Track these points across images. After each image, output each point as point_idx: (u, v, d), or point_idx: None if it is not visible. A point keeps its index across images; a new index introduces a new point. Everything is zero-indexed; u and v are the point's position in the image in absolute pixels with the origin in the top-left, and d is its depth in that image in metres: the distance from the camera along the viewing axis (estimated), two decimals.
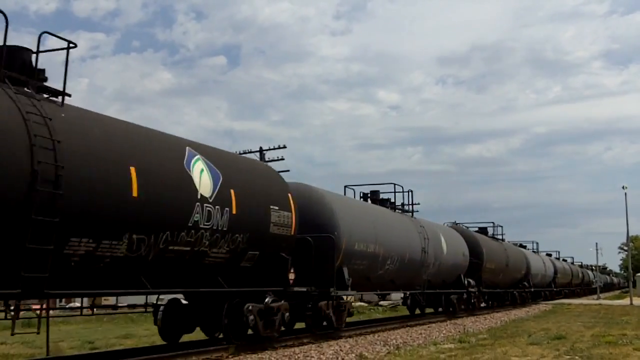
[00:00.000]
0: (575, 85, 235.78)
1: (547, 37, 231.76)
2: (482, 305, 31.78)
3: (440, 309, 26.08)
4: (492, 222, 35.14)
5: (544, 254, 55.47)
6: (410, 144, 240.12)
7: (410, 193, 22.82)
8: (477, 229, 33.72)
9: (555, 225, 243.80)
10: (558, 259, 62.68)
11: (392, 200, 22.19)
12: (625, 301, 44.58)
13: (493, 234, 34.94)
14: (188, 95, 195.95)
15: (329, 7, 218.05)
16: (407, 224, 21.59)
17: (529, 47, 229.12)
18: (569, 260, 74.08)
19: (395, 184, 22.39)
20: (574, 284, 64.32)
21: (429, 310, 26.78)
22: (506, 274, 33.20)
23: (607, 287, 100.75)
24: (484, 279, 28.99)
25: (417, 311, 26.82)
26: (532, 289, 40.52)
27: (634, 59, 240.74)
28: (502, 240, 35.87)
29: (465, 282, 26.53)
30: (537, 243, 51.00)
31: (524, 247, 46.12)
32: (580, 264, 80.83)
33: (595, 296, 58.25)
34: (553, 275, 49.89)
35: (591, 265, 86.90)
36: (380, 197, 21.83)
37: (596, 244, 67.20)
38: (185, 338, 13.41)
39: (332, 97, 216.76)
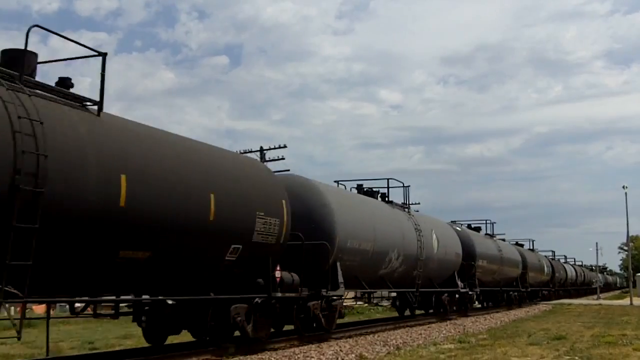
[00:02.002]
0: (577, 84, 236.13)
1: (548, 36, 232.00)
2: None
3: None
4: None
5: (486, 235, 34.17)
6: (411, 143, 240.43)
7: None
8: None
9: (555, 225, 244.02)
10: (523, 245, 44.91)
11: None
12: (625, 301, 44.59)
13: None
14: (190, 94, 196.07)
15: (331, 6, 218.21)
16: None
17: (531, 47, 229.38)
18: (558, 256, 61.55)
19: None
20: (539, 281, 45.89)
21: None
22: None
23: (604, 287, 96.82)
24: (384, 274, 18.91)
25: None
26: (417, 293, 21.50)
27: (636, 59, 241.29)
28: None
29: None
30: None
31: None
32: (580, 263, 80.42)
33: (595, 296, 58.28)
34: (497, 267, 31.91)
35: (591, 265, 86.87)
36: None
37: (596, 243, 67.31)
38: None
39: (334, 97, 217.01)
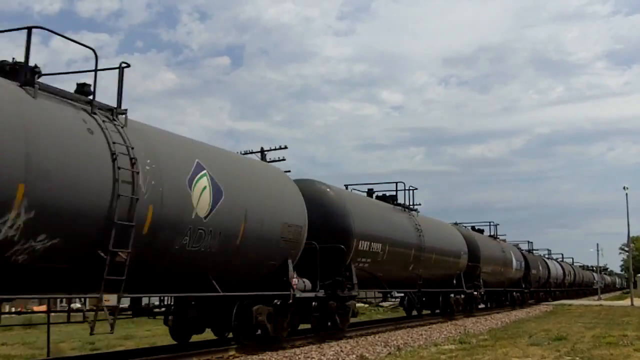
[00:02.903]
0: (578, 85, 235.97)
1: (550, 37, 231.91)
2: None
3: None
4: None
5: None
6: (412, 144, 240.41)
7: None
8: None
9: (557, 225, 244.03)
10: (482, 231, 34.45)
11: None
12: (626, 302, 44.58)
13: None
14: (191, 95, 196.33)
15: (333, 7, 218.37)
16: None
17: (532, 48, 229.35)
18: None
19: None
20: (504, 279, 34.53)
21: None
22: None
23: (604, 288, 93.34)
24: None
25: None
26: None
27: (637, 60, 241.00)
28: None
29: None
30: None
31: None
32: (571, 260, 79.87)
33: (595, 297, 58.24)
34: (416, 255, 21.31)
35: (592, 266, 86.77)
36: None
37: (597, 244, 67.30)
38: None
39: (335, 98, 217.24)
